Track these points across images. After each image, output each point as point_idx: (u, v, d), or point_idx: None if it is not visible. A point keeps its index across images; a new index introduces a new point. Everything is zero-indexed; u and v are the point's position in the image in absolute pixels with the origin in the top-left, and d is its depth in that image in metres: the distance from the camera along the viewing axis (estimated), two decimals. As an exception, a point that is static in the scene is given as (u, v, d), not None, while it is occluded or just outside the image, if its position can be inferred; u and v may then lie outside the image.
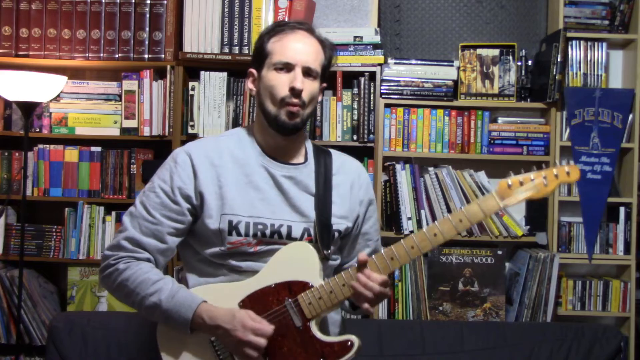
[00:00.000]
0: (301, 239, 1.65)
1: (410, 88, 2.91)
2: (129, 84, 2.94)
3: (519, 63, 2.98)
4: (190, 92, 2.89)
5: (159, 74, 2.95)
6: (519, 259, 2.95)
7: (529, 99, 3.00)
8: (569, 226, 2.95)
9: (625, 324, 2.94)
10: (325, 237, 1.65)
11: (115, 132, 2.97)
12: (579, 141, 2.90)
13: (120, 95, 2.97)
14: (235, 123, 2.89)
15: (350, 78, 2.91)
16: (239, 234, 1.62)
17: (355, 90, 2.90)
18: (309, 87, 1.63)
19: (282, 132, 1.65)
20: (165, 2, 2.92)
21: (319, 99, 1.74)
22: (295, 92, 1.60)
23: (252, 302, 1.59)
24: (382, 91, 2.91)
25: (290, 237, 1.64)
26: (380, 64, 2.88)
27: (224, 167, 1.65)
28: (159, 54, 2.93)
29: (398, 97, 2.92)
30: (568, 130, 2.93)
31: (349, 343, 1.56)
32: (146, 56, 2.93)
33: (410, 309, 2.86)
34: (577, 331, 2.62)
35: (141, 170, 2.93)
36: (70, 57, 2.93)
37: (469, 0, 3.14)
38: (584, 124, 2.90)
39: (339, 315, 1.79)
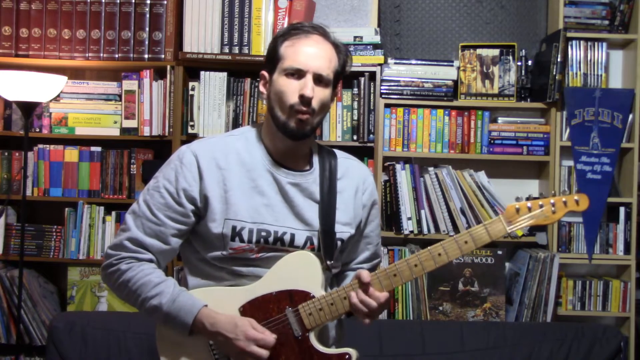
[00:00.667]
0: (304, 247, 1.64)
1: (410, 88, 2.91)
2: (129, 84, 2.94)
3: (519, 63, 2.98)
4: (190, 92, 2.89)
5: (159, 74, 2.95)
6: (519, 259, 2.96)
7: (529, 99, 3.00)
8: (569, 226, 2.95)
9: (625, 324, 2.94)
10: (329, 247, 1.64)
11: (115, 132, 2.97)
12: (579, 141, 2.90)
13: (120, 95, 2.97)
14: (235, 123, 2.89)
15: (350, 78, 2.91)
16: (242, 240, 1.60)
17: (355, 90, 2.90)
18: (320, 95, 1.59)
19: (290, 137, 1.62)
20: (165, 2, 2.92)
21: (332, 104, 1.70)
22: (304, 100, 1.56)
23: (253, 308, 1.58)
24: (382, 91, 2.91)
25: (293, 245, 1.63)
26: (380, 64, 2.88)
27: (230, 171, 1.62)
28: (159, 54, 2.93)
29: (398, 97, 2.92)
30: (568, 130, 2.93)
31: (347, 357, 1.56)
32: (146, 56, 2.93)
33: (410, 309, 2.86)
34: (577, 331, 2.62)
35: (141, 170, 2.93)
36: (70, 57, 2.93)
37: (469, 0, 3.14)
38: (584, 124, 2.90)
39: (335, 328, 1.77)
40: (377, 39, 2.89)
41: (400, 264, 1.57)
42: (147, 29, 2.93)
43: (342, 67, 1.67)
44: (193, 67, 2.92)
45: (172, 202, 1.61)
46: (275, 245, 1.62)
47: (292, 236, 1.63)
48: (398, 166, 2.88)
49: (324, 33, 1.64)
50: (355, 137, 2.89)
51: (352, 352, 1.57)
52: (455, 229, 2.86)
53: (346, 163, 1.76)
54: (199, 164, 1.61)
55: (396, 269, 1.57)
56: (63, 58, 2.93)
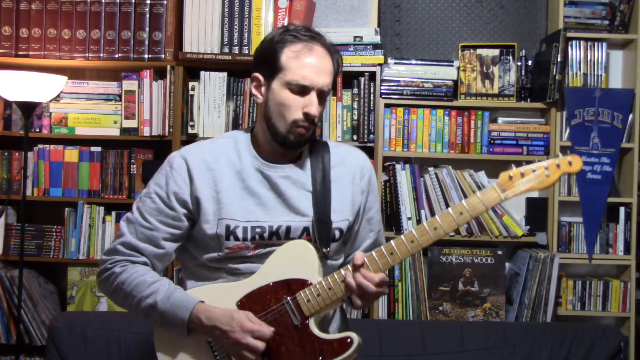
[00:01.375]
0: (300, 237, 1.64)
1: (410, 88, 2.91)
2: (129, 84, 2.94)
3: (519, 63, 2.98)
4: (190, 92, 2.89)
5: (159, 74, 2.95)
6: (519, 259, 2.96)
7: (529, 99, 3.00)
8: (569, 226, 2.95)
9: (625, 324, 2.94)
10: (325, 235, 1.63)
11: (115, 132, 2.97)
12: (579, 141, 2.90)
13: (120, 95, 2.97)
14: (235, 123, 2.89)
15: (350, 78, 2.91)
16: (236, 239, 1.60)
17: (355, 90, 2.90)
18: (321, 108, 1.61)
19: (286, 147, 1.63)
20: (165, 2, 2.92)
21: None
22: (309, 118, 1.58)
23: (250, 301, 1.58)
24: (382, 91, 2.91)
25: (289, 237, 1.63)
26: (380, 64, 2.88)
27: (221, 171, 1.63)
28: (159, 54, 2.93)
29: (398, 97, 2.92)
30: (568, 130, 2.93)
31: (348, 340, 1.54)
32: (146, 56, 2.93)
33: (410, 309, 2.86)
34: (577, 331, 2.62)
35: (141, 170, 2.93)
36: (70, 57, 2.93)
37: (469, 0, 3.14)
38: (584, 124, 2.90)
39: (339, 319, 1.77)
40: (377, 39, 2.89)
41: (397, 242, 1.55)
42: (147, 29, 2.93)
43: (337, 71, 1.68)
44: (193, 67, 2.92)
45: (163, 206, 1.62)
46: (271, 240, 1.62)
47: (288, 228, 1.62)
48: (398, 166, 2.88)
49: (323, 42, 1.63)
50: (355, 137, 2.89)
51: (354, 335, 1.55)
52: (455, 228, 2.85)
53: (340, 151, 1.75)
54: (188, 167, 1.62)
55: (393, 246, 1.55)
56: (63, 58, 2.93)
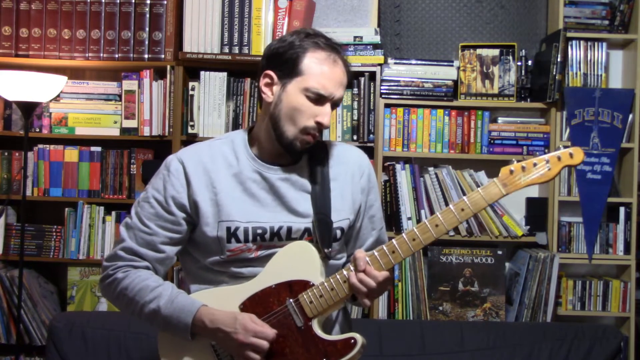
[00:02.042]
0: (301, 238, 1.63)
1: (410, 88, 2.91)
2: (129, 84, 2.94)
3: (519, 63, 2.98)
4: (190, 92, 2.89)
5: (159, 74, 2.95)
6: (519, 259, 2.95)
7: (529, 99, 3.00)
8: (569, 226, 2.95)
9: (625, 324, 2.94)
10: (326, 236, 1.62)
11: (115, 132, 2.97)
12: (579, 141, 2.90)
13: (120, 95, 2.97)
14: (235, 123, 2.89)
15: (350, 78, 2.90)
16: (238, 241, 1.59)
17: (355, 90, 2.90)
18: (331, 117, 1.62)
19: (289, 152, 1.62)
20: (165, 2, 2.92)
21: None
22: (322, 127, 1.58)
23: (253, 304, 1.58)
24: (382, 91, 2.91)
25: (290, 238, 1.62)
26: (380, 64, 2.88)
27: (218, 174, 1.62)
28: (159, 54, 2.93)
29: (398, 97, 2.92)
30: (568, 130, 2.93)
31: (352, 341, 1.53)
32: (146, 56, 2.93)
33: (410, 309, 2.86)
34: (577, 331, 2.62)
35: (141, 170, 2.93)
36: (70, 57, 2.93)
37: (469, 0, 3.14)
38: (584, 124, 2.90)
39: (341, 320, 1.76)
40: (377, 39, 2.89)
41: (398, 240, 1.54)
42: (147, 29, 2.93)
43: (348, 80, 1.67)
44: (193, 67, 2.92)
45: (161, 211, 1.61)
46: (273, 241, 1.61)
47: (289, 229, 1.62)
48: (398, 166, 2.88)
49: (343, 55, 1.63)
50: (355, 137, 2.89)
51: (358, 336, 1.54)
52: (455, 229, 2.86)
53: (338, 150, 1.74)
54: (185, 170, 1.61)
55: (394, 245, 1.53)
56: (63, 58, 2.93)
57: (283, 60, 1.59)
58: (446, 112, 2.93)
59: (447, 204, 2.85)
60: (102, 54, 2.93)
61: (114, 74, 3.05)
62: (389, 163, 2.90)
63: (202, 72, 2.89)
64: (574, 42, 2.94)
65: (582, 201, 2.90)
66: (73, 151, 2.97)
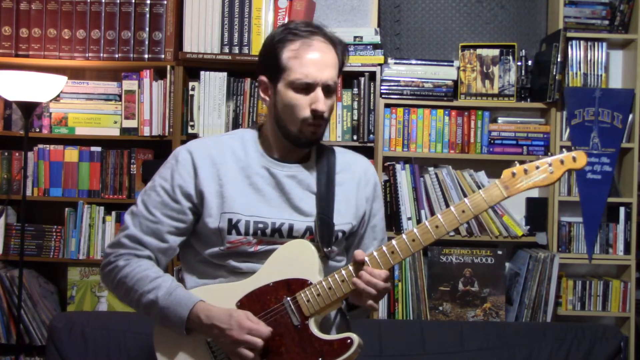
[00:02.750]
0: (303, 237, 1.63)
1: (410, 88, 2.91)
2: (129, 84, 2.94)
3: (519, 63, 2.98)
4: (190, 92, 2.89)
5: (159, 74, 2.95)
6: (519, 259, 2.96)
7: (529, 99, 3.00)
8: (569, 226, 2.95)
9: (625, 324, 2.94)
10: (326, 235, 1.63)
11: (115, 132, 2.97)
12: (579, 141, 2.90)
13: (120, 95, 2.97)
14: (235, 123, 2.89)
15: (350, 78, 2.91)
16: (238, 233, 1.59)
17: (355, 90, 2.90)
18: (329, 103, 1.60)
19: (300, 146, 1.63)
20: (165, 2, 2.92)
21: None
22: (317, 114, 1.57)
23: (250, 301, 1.58)
24: (382, 91, 2.91)
25: (291, 235, 1.62)
26: (380, 64, 2.88)
27: (225, 166, 1.63)
28: (159, 54, 2.93)
29: (398, 97, 2.92)
30: (568, 130, 2.93)
31: (349, 340, 1.53)
32: (146, 56, 2.93)
33: (410, 309, 2.86)
34: (577, 331, 2.62)
35: (141, 170, 2.93)
36: (70, 57, 2.93)
37: (469, 0, 3.14)
38: (584, 124, 2.90)
39: (339, 320, 1.75)
40: (377, 39, 2.89)
41: (398, 240, 1.54)
42: (147, 29, 2.93)
43: (342, 62, 1.66)
44: (193, 67, 2.92)
45: (168, 199, 1.62)
46: (274, 237, 1.61)
47: (291, 226, 1.62)
48: (398, 166, 2.88)
49: (322, 34, 1.61)
50: (355, 137, 2.89)
51: (354, 336, 1.53)
52: (455, 229, 2.85)
53: (346, 157, 1.76)
54: (193, 161, 1.62)
55: (394, 245, 1.54)
56: (63, 58, 2.93)
57: (267, 63, 1.62)
58: (446, 112, 2.93)
59: (447, 204, 2.86)
60: (102, 54, 2.93)
61: (114, 74, 3.05)
62: (389, 163, 2.90)
63: (202, 72, 2.89)
64: (574, 42, 2.94)
65: (582, 201, 2.90)
66: (73, 151, 2.97)
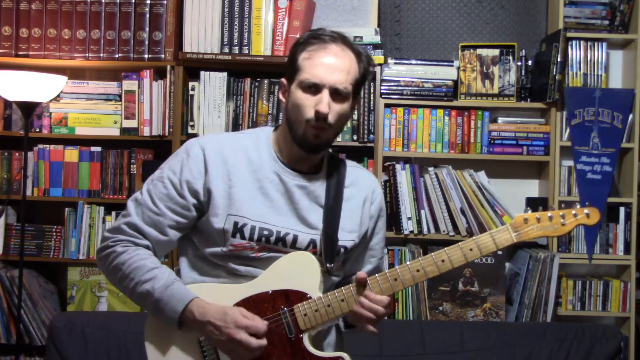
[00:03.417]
0: (306, 249, 1.62)
1: (410, 88, 2.91)
2: (129, 84, 2.94)
3: (519, 63, 2.98)
4: (190, 92, 2.89)
5: (159, 74, 2.95)
6: (519, 259, 2.96)
7: (529, 99, 3.00)
8: (569, 226, 2.94)
9: (625, 324, 2.94)
10: (330, 251, 1.62)
11: (115, 132, 2.97)
12: (579, 141, 2.90)
13: (120, 95, 2.97)
14: (235, 123, 2.89)
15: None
16: (242, 237, 1.58)
17: (355, 90, 2.89)
18: (336, 109, 1.56)
19: (305, 150, 1.61)
20: (165, 2, 2.92)
21: (351, 114, 1.68)
22: (320, 116, 1.54)
23: (247, 306, 1.56)
24: (382, 91, 2.91)
25: (295, 247, 1.61)
26: (380, 64, 2.88)
27: (237, 167, 1.61)
28: (159, 54, 2.93)
29: (398, 97, 2.92)
30: (568, 130, 2.93)
31: None
32: (146, 56, 2.93)
33: (410, 309, 2.86)
34: (577, 331, 2.62)
35: (141, 170, 2.93)
36: (70, 57, 2.93)
37: (469, 0, 3.14)
38: (584, 124, 2.90)
39: (334, 335, 1.75)
40: (377, 39, 2.89)
41: (402, 269, 1.54)
42: (147, 29, 2.93)
43: (363, 75, 1.63)
44: (193, 67, 2.92)
45: (174, 193, 1.60)
46: (277, 246, 1.60)
47: (295, 237, 1.61)
48: (398, 166, 2.88)
49: (344, 41, 1.60)
50: (355, 137, 2.89)
51: (346, 356, 1.54)
52: (455, 229, 2.86)
53: (355, 172, 1.75)
54: (205, 158, 1.60)
55: (397, 273, 1.54)
56: (63, 58, 2.93)
57: (288, 65, 1.62)
58: (446, 112, 2.93)
59: (447, 204, 2.86)
60: (102, 54, 2.93)
61: (114, 74, 3.05)
62: (389, 163, 2.90)
63: (202, 72, 2.89)
64: (574, 42, 2.94)
65: (582, 201, 2.90)
66: (73, 151, 2.97)
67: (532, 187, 3.08)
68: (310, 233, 1.62)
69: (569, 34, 2.92)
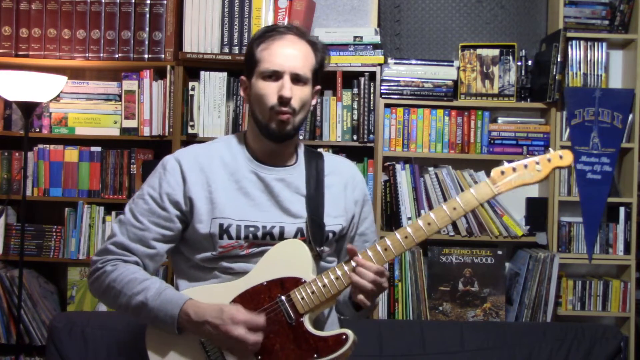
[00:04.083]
0: (294, 238, 1.65)
1: (410, 88, 2.91)
2: (129, 84, 2.94)
3: (519, 63, 2.98)
4: (190, 92, 2.89)
5: (159, 74, 2.95)
6: (519, 259, 2.95)
7: (529, 99, 3.00)
8: (569, 226, 2.95)
9: (625, 324, 2.94)
10: (318, 235, 1.64)
11: (115, 132, 2.97)
12: (579, 141, 2.90)
13: (120, 95, 2.97)
14: (235, 123, 2.89)
15: (350, 78, 2.91)
16: (230, 237, 1.60)
17: (355, 90, 2.90)
18: (299, 94, 1.61)
19: (273, 139, 1.64)
20: (165, 2, 2.92)
21: (313, 102, 1.72)
22: (283, 100, 1.58)
23: (244, 301, 1.57)
24: (382, 91, 2.91)
25: (283, 238, 1.63)
26: (380, 64, 2.88)
27: (214, 172, 1.64)
28: (159, 54, 2.93)
29: (398, 97, 2.92)
30: (568, 130, 2.93)
31: (344, 337, 1.53)
32: (146, 56, 2.93)
33: (410, 309, 2.86)
34: (577, 331, 2.62)
35: (141, 170, 2.93)
36: (70, 57, 2.93)
37: (469, 0, 3.14)
38: (584, 124, 2.90)
39: (335, 316, 1.78)
40: (377, 39, 2.89)
41: (391, 238, 1.55)
42: (147, 29, 2.93)
43: (320, 64, 1.68)
44: (193, 67, 2.92)
45: (155, 207, 1.63)
46: (265, 240, 1.62)
47: (282, 229, 1.63)
48: (398, 166, 2.88)
49: (298, 32, 1.66)
50: (355, 137, 2.89)
51: (349, 332, 1.54)
52: (455, 229, 2.86)
53: (333, 161, 1.79)
54: (182, 168, 1.64)
55: (387, 243, 1.55)
56: (63, 58, 2.93)
57: (246, 61, 1.67)
58: (446, 112, 2.93)
59: (447, 204, 2.86)
60: (102, 54, 2.93)
61: (114, 74, 3.05)
62: (389, 163, 2.90)
63: (202, 72, 2.89)
64: (574, 42, 2.94)
65: (582, 201, 2.90)
66: (73, 151, 2.97)
67: (532, 187, 3.08)
68: (296, 222, 1.65)
69: (569, 34, 2.92)
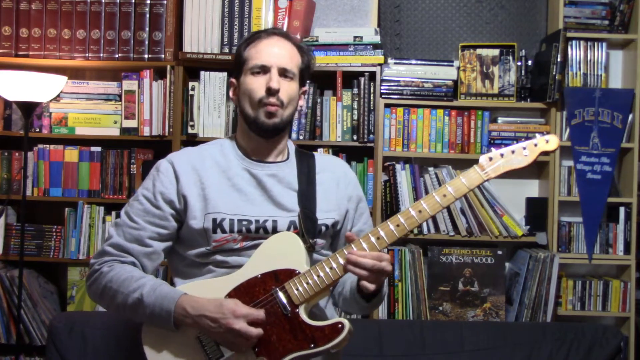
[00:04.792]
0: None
1: (410, 88, 2.91)
2: (129, 84, 2.94)
3: (519, 63, 2.98)
4: (190, 92, 2.89)
5: (159, 74, 2.95)
6: (519, 259, 2.96)
7: (529, 99, 3.00)
8: (569, 226, 2.95)
9: (625, 324, 2.94)
10: (311, 228, 1.66)
11: (115, 132, 2.97)
12: (579, 141, 2.90)
13: (120, 95, 2.97)
14: (235, 123, 2.89)
15: (350, 78, 2.91)
16: (223, 231, 1.63)
17: (355, 90, 2.90)
18: (287, 87, 1.66)
19: (263, 134, 1.68)
20: (165, 2, 2.92)
21: (301, 102, 1.77)
22: (271, 91, 1.63)
23: (239, 294, 1.58)
24: (382, 91, 2.91)
25: (275, 231, 1.66)
26: (380, 64, 2.88)
27: (206, 171, 1.68)
28: (159, 54, 2.93)
29: (398, 97, 2.92)
30: (568, 130, 2.93)
31: (340, 325, 1.53)
32: (146, 56, 2.93)
33: (410, 309, 2.86)
34: (577, 331, 2.62)
35: (141, 170, 2.93)
36: (70, 57, 2.93)
37: (469, 0, 3.14)
38: (584, 124, 2.90)
39: (333, 311, 1.79)
40: (377, 39, 2.89)
41: (383, 226, 1.56)
42: (147, 29, 2.93)
43: (306, 65, 1.74)
44: (193, 67, 2.92)
45: (150, 206, 1.66)
46: (258, 234, 1.65)
47: (275, 222, 1.66)
48: (398, 166, 2.88)
49: (284, 34, 1.73)
50: (355, 137, 2.89)
51: (345, 321, 1.54)
52: (455, 229, 2.86)
53: (324, 159, 1.83)
54: (174, 168, 1.68)
55: (378, 231, 1.56)
56: (63, 58, 2.93)
57: (235, 63, 1.74)
58: (446, 112, 2.93)
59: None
60: (102, 54, 2.93)
61: (114, 74, 3.05)
62: (389, 163, 2.90)
63: (202, 72, 2.89)
64: (574, 42, 2.94)
65: (582, 201, 2.90)
66: (73, 151, 2.97)
67: (532, 187, 3.08)
68: (289, 216, 1.67)
69: (569, 34, 2.92)
